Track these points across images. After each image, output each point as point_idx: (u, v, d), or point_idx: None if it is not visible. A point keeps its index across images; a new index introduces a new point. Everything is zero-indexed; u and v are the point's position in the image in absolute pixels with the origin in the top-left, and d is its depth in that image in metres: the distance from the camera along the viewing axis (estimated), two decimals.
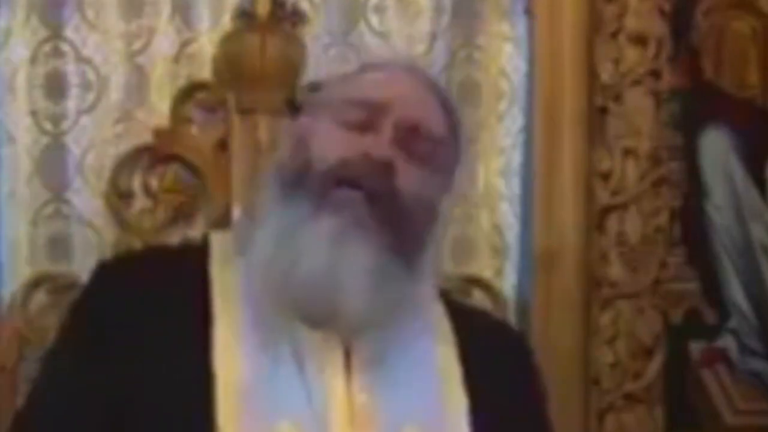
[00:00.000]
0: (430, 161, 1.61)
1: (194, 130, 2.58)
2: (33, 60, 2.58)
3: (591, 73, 2.60)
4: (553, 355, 2.50)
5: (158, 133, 2.56)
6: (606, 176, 2.59)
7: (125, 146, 2.57)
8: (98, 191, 2.57)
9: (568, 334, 2.56)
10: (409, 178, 1.58)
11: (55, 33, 2.59)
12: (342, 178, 1.56)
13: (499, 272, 2.64)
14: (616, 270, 2.57)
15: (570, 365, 2.55)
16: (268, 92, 2.52)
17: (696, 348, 2.61)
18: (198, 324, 1.56)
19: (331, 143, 1.59)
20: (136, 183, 2.56)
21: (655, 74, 2.60)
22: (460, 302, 1.85)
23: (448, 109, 1.67)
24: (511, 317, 2.57)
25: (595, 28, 2.60)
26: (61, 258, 2.56)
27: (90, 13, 2.59)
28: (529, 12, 2.63)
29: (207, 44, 2.60)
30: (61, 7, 2.59)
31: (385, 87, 1.64)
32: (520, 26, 2.66)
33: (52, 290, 2.51)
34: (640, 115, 2.59)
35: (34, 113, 2.58)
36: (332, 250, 1.53)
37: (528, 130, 2.64)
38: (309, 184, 1.57)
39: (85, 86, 2.59)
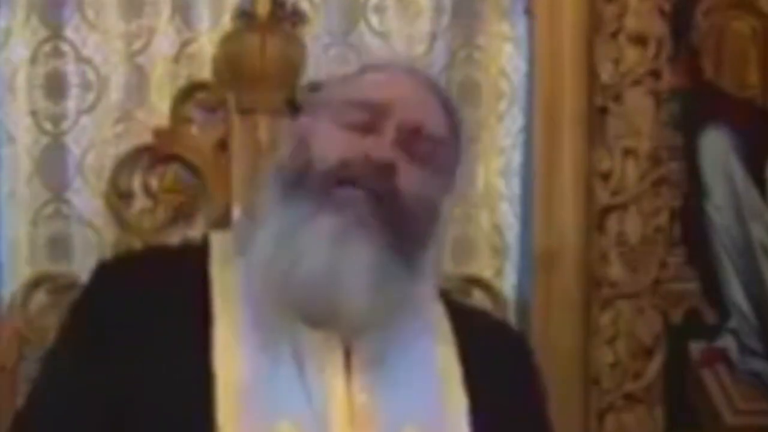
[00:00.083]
0: (432, 162, 1.61)
1: (194, 130, 2.58)
2: (33, 60, 2.58)
3: (591, 73, 2.60)
4: (553, 355, 2.50)
5: (158, 133, 2.56)
6: (606, 176, 2.59)
7: (125, 146, 2.57)
8: (98, 191, 2.57)
9: (568, 334, 2.56)
10: (410, 179, 1.58)
11: (55, 33, 2.59)
12: (343, 178, 1.56)
13: (499, 272, 2.64)
14: (616, 270, 2.57)
15: (570, 365, 2.55)
16: (268, 92, 2.52)
17: (696, 348, 2.61)
18: (198, 324, 1.56)
19: (331, 144, 1.59)
20: (136, 183, 2.56)
21: (655, 74, 2.60)
22: (460, 302, 1.86)
23: (449, 109, 1.67)
24: (511, 317, 2.57)
25: (595, 28, 2.60)
26: (61, 258, 2.56)
27: (90, 13, 2.59)
28: (529, 12, 2.63)
29: (207, 44, 2.60)
30: (61, 7, 2.59)
31: (386, 88, 1.64)
32: (520, 26, 2.66)
33: (52, 290, 2.51)
34: (640, 115, 2.59)
35: (34, 113, 2.58)
36: (333, 249, 1.53)
37: (528, 130, 2.64)
38: (309, 184, 1.57)
39: (85, 86, 2.58)
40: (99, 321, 1.59)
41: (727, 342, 2.62)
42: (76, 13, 2.59)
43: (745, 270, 2.63)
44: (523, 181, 2.64)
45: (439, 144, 1.63)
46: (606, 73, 2.59)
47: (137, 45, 2.60)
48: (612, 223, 2.58)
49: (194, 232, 2.53)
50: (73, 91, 2.59)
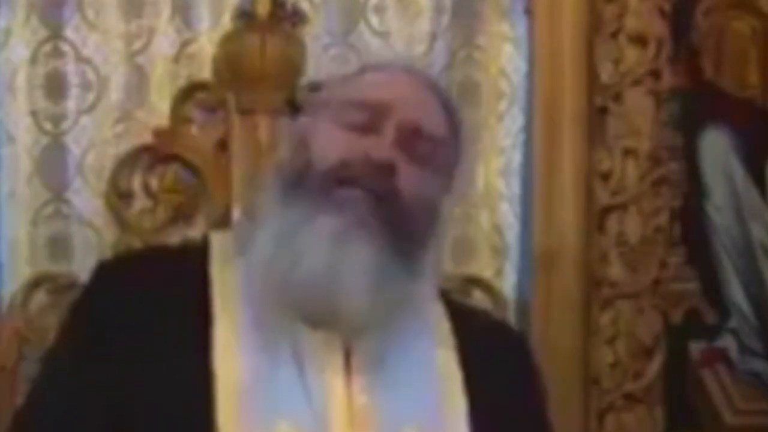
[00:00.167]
0: (431, 162, 1.61)
1: (194, 130, 2.58)
2: (33, 60, 2.58)
3: (591, 73, 2.59)
4: (553, 355, 2.50)
5: (158, 133, 2.56)
6: (606, 176, 2.58)
7: (125, 146, 2.57)
8: (98, 191, 2.56)
9: (568, 334, 2.56)
10: (410, 179, 1.58)
11: (55, 33, 2.59)
12: (343, 178, 1.56)
13: (499, 272, 2.64)
14: (616, 270, 2.57)
15: (570, 365, 2.55)
16: (268, 92, 2.52)
17: (696, 348, 2.61)
18: (198, 324, 1.56)
19: (331, 144, 1.59)
20: (136, 183, 2.56)
21: (655, 74, 2.60)
22: (459, 302, 1.85)
23: (449, 109, 1.68)
24: (511, 317, 2.57)
25: (595, 28, 2.59)
26: (61, 258, 2.56)
27: (90, 13, 2.59)
28: (529, 12, 2.63)
29: (207, 44, 2.60)
30: (61, 7, 2.59)
31: (386, 88, 1.64)
32: (520, 26, 2.66)
33: (52, 290, 2.51)
34: (640, 115, 2.59)
35: (34, 113, 2.58)
36: (333, 249, 1.53)
37: (528, 130, 2.64)
38: (309, 184, 1.57)
39: (85, 86, 2.58)
40: (99, 321, 1.59)
41: (727, 342, 2.62)
42: (76, 13, 2.59)
43: (745, 270, 2.63)
44: (523, 181, 2.64)
45: (438, 144, 1.63)
46: (606, 73, 2.59)
47: (137, 45, 2.60)
48: (612, 223, 2.58)
49: (194, 232, 2.53)
50: (73, 91, 2.59)
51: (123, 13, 2.60)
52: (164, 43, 2.60)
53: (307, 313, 1.55)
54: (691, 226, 2.62)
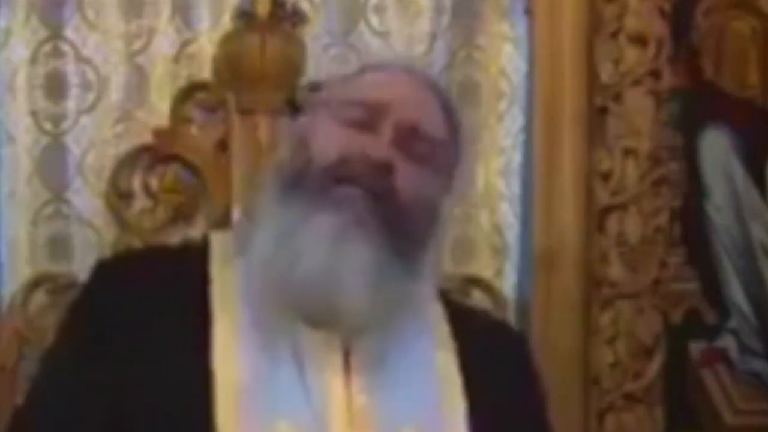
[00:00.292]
0: (430, 162, 1.61)
1: (194, 130, 2.58)
2: (33, 60, 2.58)
3: (591, 73, 2.59)
4: (553, 355, 2.50)
5: (158, 133, 2.56)
6: (606, 176, 2.58)
7: (125, 146, 2.57)
8: (98, 191, 2.57)
9: (568, 334, 2.56)
10: (408, 179, 1.58)
11: (55, 33, 2.59)
12: (341, 176, 1.56)
13: (499, 272, 2.64)
14: (616, 270, 2.57)
15: (570, 365, 2.55)
16: (268, 92, 2.52)
17: (696, 348, 2.61)
18: (198, 324, 1.56)
19: (330, 140, 1.60)
20: (136, 183, 2.56)
21: (655, 74, 2.60)
22: (459, 302, 1.85)
23: (448, 110, 1.67)
24: (511, 317, 2.57)
25: (595, 28, 2.59)
26: (61, 258, 2.56)
27: (90, 13, 2.59)
28: (529, 12, 2.63)
29: (207, 44, 2.60)
30: (61, 7, 2.59)
31: (385, 88, 1.64)
32: (520, 26, 2.66)
33: (52, 290, 2.51)
34: (640, 115, 2.59)
35: (34, 113, 2.58)
36: (331, 248, 1.53)
37: (528, 130, 2.64)
38: (308, 183, 1.57)
39: (85, 86, 2.59)
40: (98, 320, 1.59)
41: (727, 342, 2.62)
42: (76, 13, 2.59)
43: (745, 270, 2.63)
44: (523, 181, 2.64)
45: (437, 144, 1.63)
46: (606, 73, 2.59)
47: (137, 45, 2.60)
48: (612, 223, 2.58)
49: (194, 232, 2.53)
50: (73, 91, 2.59)
51: (123, 13, 2.60)
52: (164, 43, 2.60)
53: (307, 313, 1.55)
54: (691, 226, 2.62)
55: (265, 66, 2.51)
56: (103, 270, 1.67)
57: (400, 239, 1.56)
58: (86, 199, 2.57)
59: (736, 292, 2.62)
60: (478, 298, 2.57)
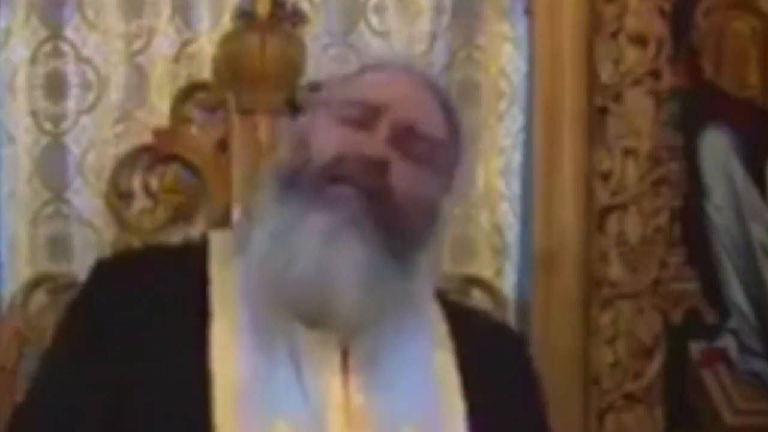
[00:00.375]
0: (427, 161, 1.61)
1: (194, 130, 2.58)
2: (33, 60, 2.58)
3: (591, 73, 2.59)
4: (553, 355, 2.50)
5: (158, 133, 2.56)
6: (606, 176, 2.58)
7: (125, 146, 2.57)
8: (98, 191, 2.56)
9: (568, 334, 2.56)
10: (404, 177, 1.58)
11: (55, 33, 2.59)
12: (336, 175, 1.56)
13: (499, 272, 2.64)
14: (616, 270, 2.57)
15: (570, 365, 2.54)
16: (268, 92, 2.52)
17: (696, 348, 2.61)
18: (196, 323, 1.56)
19: (328, 138, 1.60)
20: (136, 183, 2.56)
21: (655, 74, 2.59)
22: (457, 303, 1.85)
23: (448, 110, 1.67)
24: (511, 317, 2.57)
25: (595, 28, 2.59)
26: (61, 258, 2.56)
27: (90, 13, 2.59)
28: (529, 12, 2.63)
29: (207, 44, 2.59)
30: (61, 7, 2.58)
31: (384, 88, 1.64)
32: (520, 26, 2.66)
33: (52, 290, 2.51)
34: (640, 115, 2.58)
35: (34, 113, 2.58)
36: (325, 247, 1.53)
37: (528, 130, 2.63)
38: (304, 181, 1.57)
39: (85, 86, 2.58)
40: (97, 318, 1.59)
41: (727, 342, 2.62)
42: (76, 13, 2.59)
43: (745, 270, 2.62)
44: (523, 181, 2.64)
45: (435, 144, 1.63)
46: (606, 73, 2.59)
47: (137, 45, 2.60)
48: (612, 223, 2.58)
49: (194, 232, 2.53)
50: (73, 91, 2.58)
51: (123, 13, 2.59)
52: (164, 43, 2.60)
53: (302, 312, 1.55)
54: (691, 226, 2.62)
55: (265, 66, 2.51)
56: (102, 269, 1.67)
57: (395, 239, 1.56)
58: (86, 199, 2.57)
59: (736, 292, 2.62)
60: (478, 298, 2.57)
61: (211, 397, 1.51)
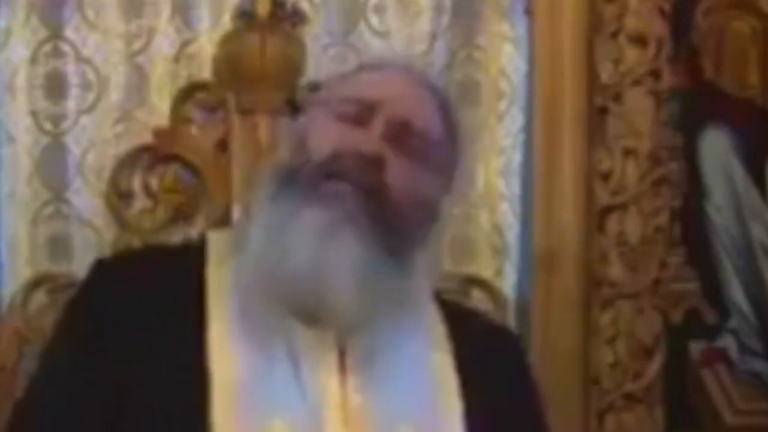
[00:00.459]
0: (423, 158, 1.61)
1: (194, 130, 2.58)
2: (33, 60, 2.58)
3: (591, 73, 2.59)
4: (553, 355, 2.50)
5: (158, 133, 2.56)
6: (606, 176, 2.58)
7: (125, 146, 2.57)
8: (98, 191, 2.57)
9: (568, 334, 2.56)
10: (400, 174, 1.58)
11: (55, 33, 2.59)
12: (332, 172, 1.56)
13: (499, 272, 2.64)
14: (616, 270, 2.57)
15: (570, 365, 2.54)
16: (268, 92, 2.52)
17: (696, 348, 2.61)
18: (194, 322, 1.57)
19: (325, 135, 1.60)
20: (136, 183, 2.56)
21: (655, 74, 2.59)
22: (455, 304, 1.85)
23: (446, 109, 1.68)
24: (511, 317, 2.57)
25: (595, 28, 2.59)
26: (61, 258, 2.56)
27: (90, 13, 2.59)
28: (529, 12, 2.63)
29: (207, 44, 2.59)
30: (61, 7, 2.59)
31: (381, 86, 1.64)
32: (520, 26, 2.66)
33: (52, 290, 2.51)
34: (640, 115, 2.58)
35: (34, 113, 2.58)
36: (319, 243, 1.53)
37: (528, 130, 2.63)
38: (301, 178, 1.57)
39: (85, 86, 2.59)
40: (96, 317, 1.59)
41: (727, 342, 2.62)
42: (76, 13, 2.59)
43: (745, 270, 2.62)
44: (523, 181, 2.64)
45: (431, 141, 1.63)
46: (606, 73, 2.59)
47: (137, 45, 2.60)
48: (612, 223, 2.58)
49: (194, 232, 2.53)
50: (73, 91, 2.59)
51: (123, 13, 2.60)
52: (164, 43, 2.60)
53: (297, 309, 1.55)
54: (691, 226, 2.62)
55: (265, 66, 2.51)
56: (101, 268, 1.67)
57: (390, 236, 1.56)
58: (86, 199, 2.57)
59: (736, 292, 2.62)
60: (478, 298, 2.56)
61: (209, 395, 1.52)
